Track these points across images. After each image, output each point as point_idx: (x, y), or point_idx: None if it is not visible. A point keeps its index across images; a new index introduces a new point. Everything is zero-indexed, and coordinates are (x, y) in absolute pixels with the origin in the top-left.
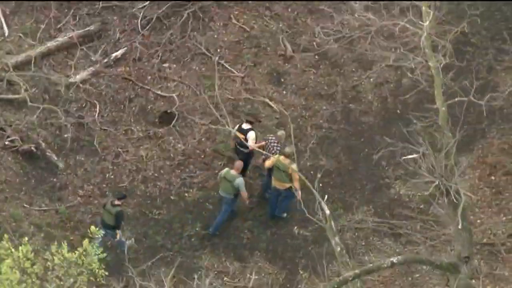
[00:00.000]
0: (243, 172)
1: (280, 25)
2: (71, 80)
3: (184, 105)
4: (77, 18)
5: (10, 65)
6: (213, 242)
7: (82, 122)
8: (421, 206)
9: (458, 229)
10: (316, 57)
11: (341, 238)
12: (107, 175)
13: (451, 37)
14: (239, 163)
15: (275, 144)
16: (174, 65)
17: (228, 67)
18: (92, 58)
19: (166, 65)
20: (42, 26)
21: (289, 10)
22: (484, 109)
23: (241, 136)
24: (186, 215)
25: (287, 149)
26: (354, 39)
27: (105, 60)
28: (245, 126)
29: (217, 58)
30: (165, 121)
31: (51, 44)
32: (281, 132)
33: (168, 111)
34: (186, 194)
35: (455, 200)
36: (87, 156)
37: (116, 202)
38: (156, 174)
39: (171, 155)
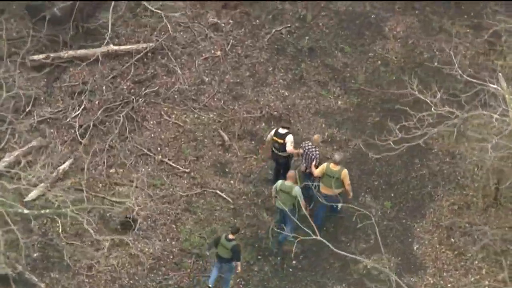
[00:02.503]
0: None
1: (211, 116)
2: (27, 199)
3: (141, 208)
4: (16, 135)
5: None
6: None
7: (47, 239)
8: (392, 278)
9: None
10: (253, 142)
11: None
12: None
13: None
14: (291, 172)
15: (313, 149)
16: (121, 170)
17: (172, 164)
18: (41, 175)
19: (113, 170)
20: None
21: (215, 99)
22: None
23: (280, 141)
24: None
25: (337, 156)
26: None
27: (54, 174)
28: (282, 130)
29: (159, 157)
30: (127, 227)
31: None
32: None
33: (128, 216)
34: None
35: None
36: (60, 272)
37: (230, 237)
38: (131, 281)
39: (141, 260)
